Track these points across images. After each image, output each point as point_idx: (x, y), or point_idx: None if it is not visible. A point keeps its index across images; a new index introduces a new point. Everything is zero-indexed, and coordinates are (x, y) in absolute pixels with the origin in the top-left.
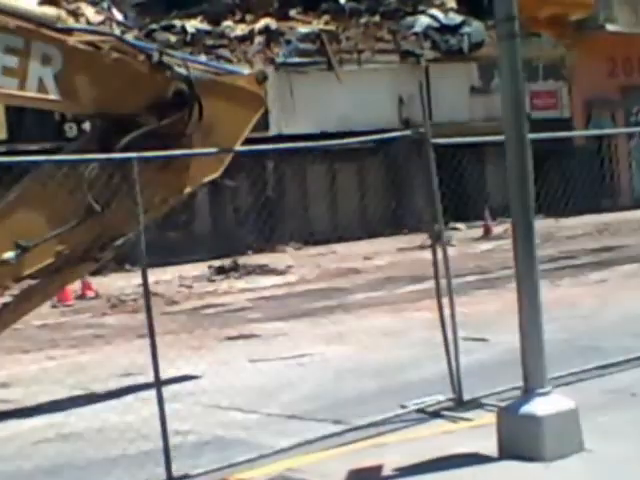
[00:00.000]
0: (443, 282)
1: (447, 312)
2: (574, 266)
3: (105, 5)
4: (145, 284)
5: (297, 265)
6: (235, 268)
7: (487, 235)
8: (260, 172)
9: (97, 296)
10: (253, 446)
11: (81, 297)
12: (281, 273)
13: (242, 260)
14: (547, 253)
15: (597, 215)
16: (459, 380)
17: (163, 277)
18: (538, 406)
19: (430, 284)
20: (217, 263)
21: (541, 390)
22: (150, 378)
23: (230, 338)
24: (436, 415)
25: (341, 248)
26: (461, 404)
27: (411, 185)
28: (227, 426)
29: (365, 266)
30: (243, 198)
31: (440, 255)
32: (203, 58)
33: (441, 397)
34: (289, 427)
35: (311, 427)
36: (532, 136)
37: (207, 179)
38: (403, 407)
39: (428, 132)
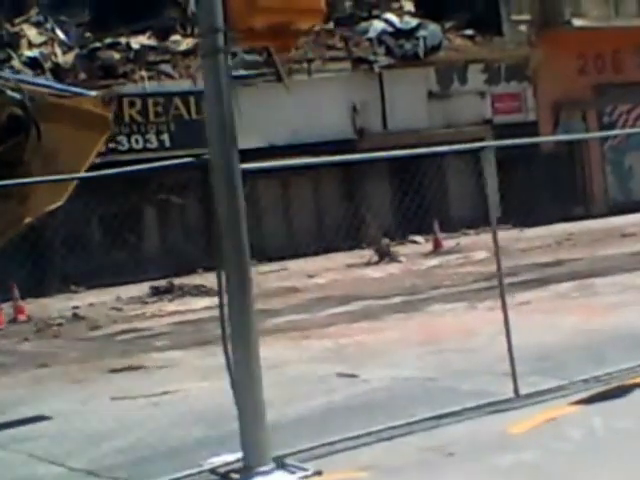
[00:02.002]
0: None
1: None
2: (508, 285)
3: (49, 26)
4: None
5: None
6: (170, 289)
7: (437, 250)
8: (208, 187)
9: (28, 319)
10: None
11: (13, 321)
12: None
13: (183, 280)
14: (488, 270)
15: (567, 224)
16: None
17: (101, 298)
18: None
19: (355, 306)
20: (163, 283)
21: (261, 469)
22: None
23: (114, 370)
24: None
25: (294, 265)
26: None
27: (367, 197)
28: None
29: (306, 285)
30: (192, 215)
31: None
32: (40, 80)
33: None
34: None
35: None
36: (495, 143)
37: (50, 208)
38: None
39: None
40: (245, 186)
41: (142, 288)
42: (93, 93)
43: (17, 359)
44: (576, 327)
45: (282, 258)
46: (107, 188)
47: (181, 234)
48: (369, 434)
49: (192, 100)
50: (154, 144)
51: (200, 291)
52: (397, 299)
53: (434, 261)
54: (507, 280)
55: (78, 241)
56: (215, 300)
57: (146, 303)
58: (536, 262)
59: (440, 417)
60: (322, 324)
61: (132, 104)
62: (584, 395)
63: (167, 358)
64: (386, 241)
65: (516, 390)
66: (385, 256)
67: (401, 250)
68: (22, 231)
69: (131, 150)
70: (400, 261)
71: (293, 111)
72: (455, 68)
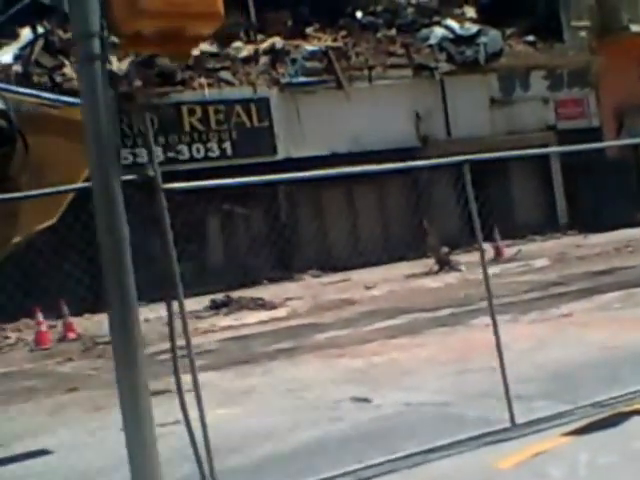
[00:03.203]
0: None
1: None
2: (558, 295)
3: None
4: None
5: (297, 296)
6: (228, 303)
7: (498, 257)
8: (272, 199)
9: (78, 337)
10: None
11: (62, 339)
12: (273, 307)
13: (244, 293)
14: (545, 278)
15: (631, 230)
16: None
17: (160, 313)
18: None
19: (401, 320)
20: (222, 297)
21: None
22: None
23: None
24: None
25: (358, 275)
26: None
27: (432, 205)
28: None
29: (362, 297)
30: (256, 226)
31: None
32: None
33: None
34: None
35: None
36: (559, 149)
37: (42, 226)
38: None
39: (158, 176)
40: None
41: (203, 301)
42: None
43: (51, 382)
44: (604, 342)
45: (347, 268)
46: (171, 199)
47: (245, 245)
48: (344, 475)
49: (253, 107)
50: (216, 152)
51: (257, 304)
52: (446, 311)
53: (494, 269)
54: (558, 290)
55: (139, 253)
56: (269, 314)
57: (202, 318)
58: (590, 270)
59: (430, 451)
60: (363, 340)
61: (192, 112)
62: (582, 423)
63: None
64: (445, 250)
65: (512, 419)
66: (445, 265)
67: (465, 258)
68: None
69: (192, 159)
70: (460, 270)
71: (354, 118)
72: (517, 74)
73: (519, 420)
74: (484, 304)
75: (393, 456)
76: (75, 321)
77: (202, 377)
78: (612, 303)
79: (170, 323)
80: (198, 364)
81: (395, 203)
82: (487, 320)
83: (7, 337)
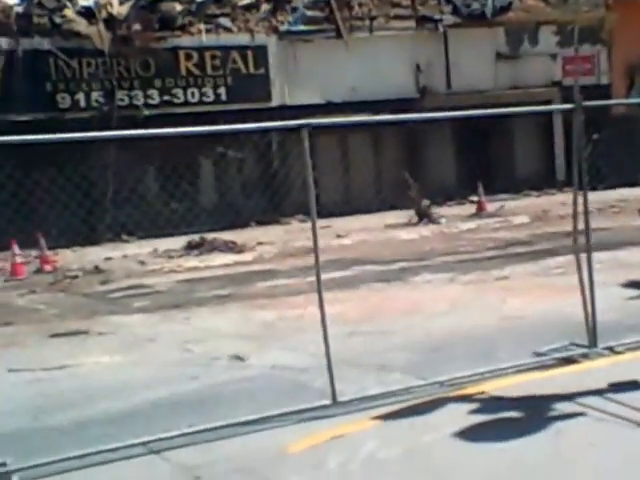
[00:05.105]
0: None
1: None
2: (512, 255)
3: None
4: None
5: (269, 241)
6: (201, 244)
7: (479, 212)
8: (266, 144)
9: (54, 270)
10: None
11: (38, 271)
12: (241, 251)
13: (230, 234)
14: (513, 237)
15: (630, 189)
16: None
17: (140, 250)
18: None
19: (352, 272)
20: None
21: None
22: None
23: (56, 335)
24: None
25: (342, 222)
26: None
27: (428, 156)
28: None
29: (330, 245)
30: (249, 170)
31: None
32: None
33: None
34: None
35: None
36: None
37: None
38: None
39: None
40: None
41: (183, 241)
42: None
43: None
44: (513, 311)
45: (336, 215)
46: (164, 140)
47: (237, 188)
48: (133, 446)
49: (250, 54)
50: (210, 97)
51: (228, 247)
52: (399, 265)
53: (471, 224)
54: (516, 249)
55: (134, 191)
56: (235, 258)
57: (172, 257)
58: (563, 230)
59: (245, 423)
60: (296, 291)
61: (189, 57)
62: (402, 406)
63: (119, 323)
64: (426, 202)
65: (334, 396)
66: (424, 217)
67: (451, 211)
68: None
69: (187, 103)
70: (439, 223)
71: (353, 68)
72: (526, 29)
73: (353, 396)
74: (439, 260)
75: (190, 429)
76: (65, 253)
77: (126, 319)
78: (558, 267)
79: None
80: (139, 305)
81: (389, 152)
82: (430, 277)
83: None
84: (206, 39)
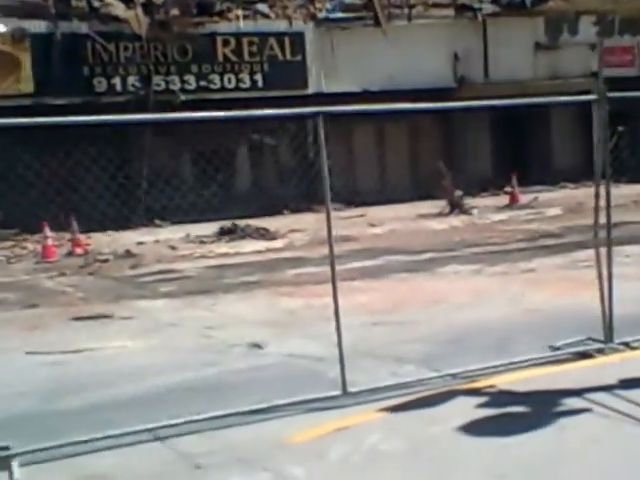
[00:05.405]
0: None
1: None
2: (541, 247)
3: None
4: None
5: (302, 229)
6: (233, 231)
7: (512, 204)
8: (301, 132)
9: (85, 253)
10: None
11: (70, 254)
12: (273, 238)
13: (264, 222)
14: (544, 228)
15: None
16: None
17: (173, 235)
18: None
19: (380, 261)
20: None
21: None
22: None
23: (78, 319)
24: None
25: (376, 211)
26: None
27: (464, 147)
28: None
29: (362, 234)
30: (284, 158)
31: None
32: None
33: None
34: None
35: None
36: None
37: None
38: None
39: None
40: None
41: (216, 227)
42: (2, 29)
43: (22, 296)
44: (535, 304)
45: (371, 204)
46: (200, 126)
47: (272, 175)
48: (138, 432)
49: (287, 41)
50: (247, 84)
51: (260, 234)
52: (428, 255)
53: (502, 215)
54: (546, 242)
55: (169, 177)
56: (266, 245)
57: (204, 243)
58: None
59: (253, 412)
60: (324, 280)
61: (226, 43)
62: (410, 398)
63: (144, 308)
64: (459, 193)
65: (344, 386)
66: (456, 208)
67: (484, 202)
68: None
69: (223, 89)
70: (471, 214)
71: (390, 57)
72: (565, 19)
73: (364, 387)
74: (467, 251)
75: (196, 417)
76: (98, 237)
77: (152, 304)
78: (586, 260)
79: None
80: (165, 290)
81: (426, 142)
82: (457, 268)
83: (24, 248)
84: (243, 25)
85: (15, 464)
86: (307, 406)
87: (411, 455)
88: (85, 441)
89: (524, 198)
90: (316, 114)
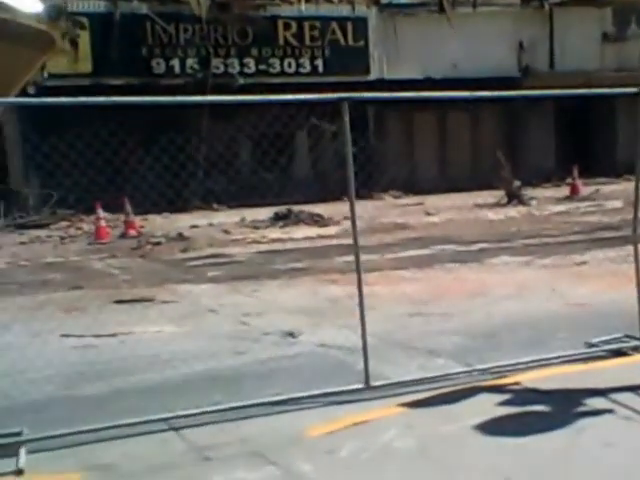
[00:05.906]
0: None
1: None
2: (596, 240)
3: None
4: None
5: (358, 216)
6: (287, 216)
7: (573, 195)
8: (362, 117)
9: (139, 235)
10: None
11: (123, 236)
12: (325, 225)
13: (320, 208)
14: (604, 221)
15: None
16: None
17: (227, 219)
18: None
19: (432, 250)
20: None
21: None
22: None
23: (120, 301)
24: None
25: (435, 200)
26: None
27: (527, 137)
28: None
29: (417, 223)
30: (343, 143)
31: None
32: None
33: None
34: None
35: None
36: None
37: None
38: None
39: None
40: None
41: (271, 212)
42: (38, 6)
43: (69, 277)
44: (579, 298)
45: (430, 192)
46: (258, 110)
47: (331, 161)
48: (153, 421)
49: (350, 26)
50: (307, 69)
51: (313, 220)
52: (480, 245)
53: (561, 207)
54: (603, 234)
55: (226, 161)
56: (319, 231)
57: (257, 228)
58: None
59: (275, 404)
60: (373, 268)
61: (287, 26)
62: (432, 394)
63: (187, 292)
64: (517, 183)
65: (367, 380)
66: (514, 199)
67: (544, 193)
68: None
69: (283, 73)
70: (529, 204)
71: (454, 45)
72: (634, 10)
73: (389, 380)
74: (520, 242)
75: (212, 408)
76: (153, 220)
77: (195, 289)
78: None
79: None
80: (212, 274)
81: (488, 132)
82: (507, 259)
83: (79, 228)
84: (305, 9)
85: (23, 451)
86: (327, 399)
87: (421, 453)
88: (97, 429)
89: (585, 190)
90: (340, 99)
